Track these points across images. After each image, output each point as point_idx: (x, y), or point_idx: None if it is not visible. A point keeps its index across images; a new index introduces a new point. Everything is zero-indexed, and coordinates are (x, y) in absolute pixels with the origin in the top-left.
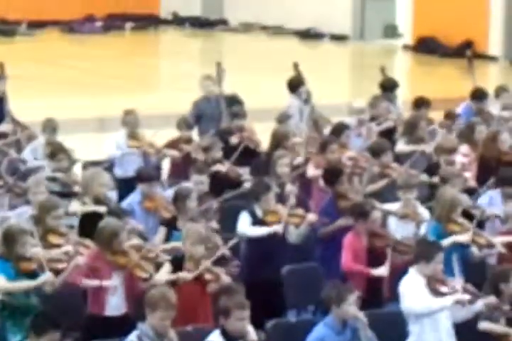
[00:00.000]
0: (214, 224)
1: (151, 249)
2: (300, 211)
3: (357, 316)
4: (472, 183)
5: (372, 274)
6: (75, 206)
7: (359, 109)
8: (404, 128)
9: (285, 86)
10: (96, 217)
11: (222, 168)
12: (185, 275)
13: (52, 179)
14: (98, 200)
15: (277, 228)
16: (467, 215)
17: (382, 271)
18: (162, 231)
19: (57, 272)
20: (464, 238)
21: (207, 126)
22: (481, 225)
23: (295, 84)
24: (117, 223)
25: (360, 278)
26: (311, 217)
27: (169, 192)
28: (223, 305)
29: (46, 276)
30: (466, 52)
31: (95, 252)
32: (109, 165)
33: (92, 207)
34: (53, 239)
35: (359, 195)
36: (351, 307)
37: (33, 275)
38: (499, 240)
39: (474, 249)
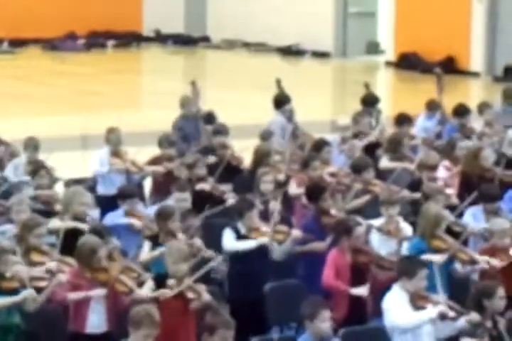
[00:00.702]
0: (197, 241)
1: (133, 269)
2: (284, 228)
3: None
4: (454, 200)
5: (351, 293)
6: (56, 223)
7: (343, 126)
8: (388, 145)
9: (268, 102)
10: (78, 234)
11: (206, 186)
12: (166, 292)
13: (34, 197)
14: (78, 219)
15: (265, 240)
16: (450, 232)
17: (361, 291)
18: (147, 245)
19: (39, 290)
20: (437, 258)
21: (187, 144)
22: (464, 241)
23: (281, 101)
24: (95, 240)
25: (343, 294)
26: (296, 233)
27: (152, 210)
28: (209, 322)
29: (27, 292)
30: (435, 69)
31: (76, 269)
32: (91, 183)
33: (72, 223)
34: (35, 257)
35: (342, 212)
36: (324, 323)
37: (15, 294)
38: (483, 259)
39: (458, 265)
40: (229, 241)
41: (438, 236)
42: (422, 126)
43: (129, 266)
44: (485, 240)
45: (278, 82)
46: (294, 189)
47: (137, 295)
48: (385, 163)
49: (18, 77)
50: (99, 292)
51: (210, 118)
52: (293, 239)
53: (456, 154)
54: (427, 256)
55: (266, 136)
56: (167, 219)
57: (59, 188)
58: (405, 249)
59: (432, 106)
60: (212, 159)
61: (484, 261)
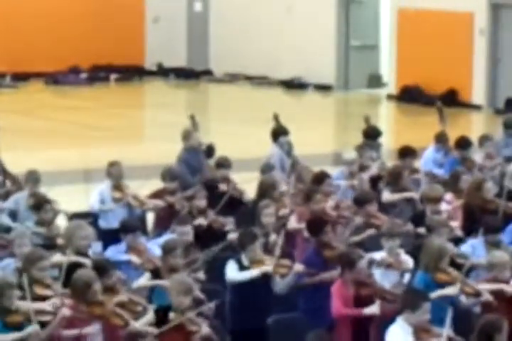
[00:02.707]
0: (201, 275)
1: (137, 302)
2: (286, 261)
3: None
4: (458, 232)
5: (364, 313)
6: (57, 257)
7: (350, 160)
8: (388, 178)
9: (270, 135)
10: (80, 268)
11: (203, 221)
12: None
13: (36, 232)
14: (80, 253)
15: (267, 268)
16: (453, 264)
17: (373, 309)
18: (146, 275)
19: (43, 324)
20: (451, 291)
21: (191, 177)
22: (466, 273)
23: (277, 133)
24: (90, 274)
25: (348, 326)
26: (298, 267)
27: (153, 244)
28: None
29: (32, 328)
30: (436, 102)
31: (72, 303)
32: (93, 217)
33: (73, 258)
34: (39, 290)
35: (343, 245)
36: None
37: (20, 328)
38: (485, 287)
39: (462, 298)
40: (231, 272)
41: (442, 270)
42: (431, 158)
43: (132, 299)
44: (486, 272)
45: (276, 117)
46: (294, 223)
47: (133, 328)
48: (387, 195)
49: (21, 111)
50: (92, 329)
51: (209, 151)
52: (295, 272)
53: (460, 187)
54: (440, 291)
55: (266, 169)
56: (168, 253)
57: (61, 221)
58: (406, 280)
59: (441, 139)
60: (223, 187)
61: (491, 289)
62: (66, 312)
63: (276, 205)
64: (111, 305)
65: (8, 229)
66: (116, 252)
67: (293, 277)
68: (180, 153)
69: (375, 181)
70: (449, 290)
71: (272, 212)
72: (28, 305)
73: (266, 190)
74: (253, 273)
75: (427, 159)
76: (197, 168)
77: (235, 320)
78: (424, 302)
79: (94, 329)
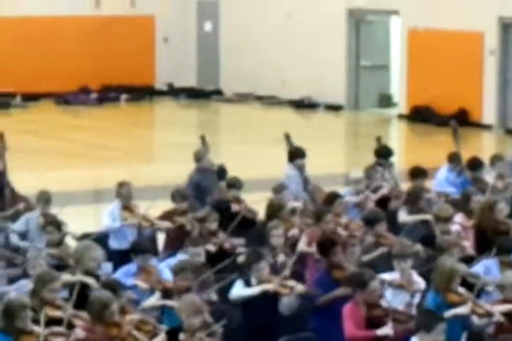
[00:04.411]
0: (213, 296)
1: (148, 322)
2: (290, 282)
3: None
4: (470, 251)
5: (377, 335)
6: (66, 277)
7: (357, 179)
8: (407, 198)
9: (280, 156)
10: (90, 289)
11: (211, 247)
12: None
13: (47, 254)
14: (89, 274)
15: (268, 286)
16: (464, 283)
17: (386, 330)
18: (157, 295)
19: None
20: (463, 310)
21: (202, 198)
22: (478, 294)
23: (296, 155)
24: (108, 295)
25: None
26: (299, 288)
27: (167, 264)
28: None
29: None
30: (451, 121)
31: (88, 324)
32: (103, 237)
33: (79, 278)
34: (50, 311)
35: (354, 265)
36: None
37: None
38: (498, 309)
39: (474, 318)
40: (235, 289)
41: (453, 291)
42: (444, 178)
43: (143, 319)
44: (499, 292)
45: (287, 137)
46: (304, 244)
47: None
48: (404, 216)
49: (31, 131)
50: None
51: (221, 172)
52: (296, 293)
53: (471, 207)
54: (453, 311)
55: (278, 189)
56: (179, 274)
57: (71, 242)
58: (416, 301)
59: (454, 159)
60: (235, 208)
61: (503, 310)
62: (79, 333)
63: (285, 226)
64: (128, 327)
65: (17, 249)
66: (125, 274)
67: (295, 298)
68: (191, 174)
69: (384, 201)
70: (461, 310)
71: (281, 233)
72: (41, 327)
73: (275, 210)
74: (254, 290)
75: (440, 179)
76: (209, 189)
77: (245, 340)
78: (439, 323)
79: None
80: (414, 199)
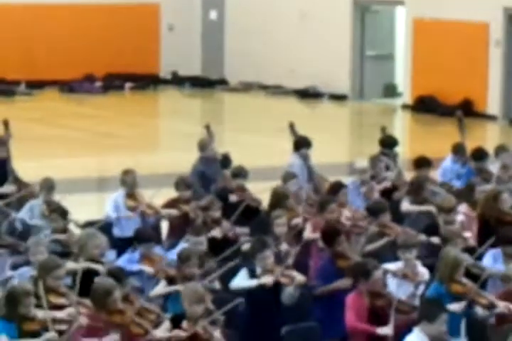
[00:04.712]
0: (216, 285)
1: (151, 310)
2: (291, 272)
3: None
4: (472, 242)
5: (377, 333)
6: (70, 264)
7: (361, 168)
8: (410, 188)
9: (285, 145)
10: (94, 276)
11: (218, 233)
12: (179, 333)
13: (54, 240)
14: (93, 261)
15: (265, 280)
16: (468, 274)
17: (386, 330)
18: (162, 283)
19: (60, 333)
20: (455, 307)
21: (206, 187)
22: (482, 284)
23: (301, 144)
24: (110, 282)
25: (363, 338)
26: (299, 278)
27: (171, 254)
28: None
29: (50, 335)
30: (456, 112)
31: (91, 312)
32: (107, 225)
33: (86, 264)
34: (54, 298)
35: (358, 255)
36: None
37: (36, 336)
38: (503, 304)
39: (478, 309)
40: (236, 279)
41: (457, 281)
42: (448, 169)
43: (147, 308)
44: (503, 283)
45: (291, 126)
46: (310, 233)
47: (153, 336)
48: (406, 206)
49: (35, 119)
50: (112, 338)
51: (225, 161)
52: (296, 284)
53: (475, 198)
54: (452, 306)
55: (288, 177)
56: (184, 262)
57: (76, 230)
58: (420, 292)
59: (458, 150)
60: (233, 198)
61: (504, 306)
62: (83, 320)
63: (289, 215)
64: (131, 314)
65: (21, 236)
66: (128, 262)
67: (296, 288)
68: (195, 163)
69: (389, 191)
70: (454, 307)
71: (285, 222)
72: (44, 314)
73: (279, 199)
74: (252, 283)
75: (445, 170)
76: (212, 178)
77: (247, 331)
78: (441, 313)
79: (113, 338)
80: (417, 189)
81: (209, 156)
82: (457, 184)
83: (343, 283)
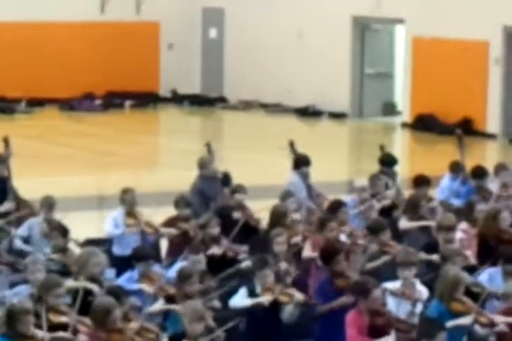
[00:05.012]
0: (216, 303)
1: (150, 329)
2: (291, 290)
3: None
4: (472, 261)
5: None
6: (69, 283)
7: (360, 187)
8: (406, 207)
9: (284, 163)
10: (93, 295)
11: (217, 250)
12: None
13: (51, 259)
14: (93, 280)
15: (262, 300)
16: (468, 292)
17: (388, 340)
18: (161, 301)
19: None
20: (465, 321)
21: (206, 205)
22: (482, 303)
23: (301, 162)
24: (110, 301)
25: None
26: (299, 296)
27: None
28: None
29: None
30: (456, 130)
31: (91, 330)
32: (107, 244)
33: (82, 284)
34: (54, 317)
35: (357, 274)
36: None
37: None
38: (501, 319)
39: (477, 327)
40: (235, 298)
41: (457, 299)
42: (447, 187)
43: (146, 326)
44: (502, 301)
45: (291, 145)
46: (309, 251)
47: None
48: (404, 223)
49: (35, 136)
50: None
51: (225, 179)
52: (296, 302)
53: (474, 216)
54: (455, 321)
55: (286, 196)
56: (184, 280)
57: (74, 248)
58: (418, 310)
59: (456, 168)
60: (237, 215)
61: (505, 321)
62: (82, 339)
63: (288, 233)
64: (130, 333)
65: (20, 254)
66: (128, 280)
67: (296, 306)
68: (195, 181)
69: (388, 209)
70: (463, 320)
71: (284, 240)
72: (43, 332)
73: (278, 218)
74: (248, 302)
75: (443, 188)
76: (212, 196)
77: None
78: (440, 332)
79: None
80: (414, 208)
81: (209, 174)
82: (456, 202)
83: (344, 300)
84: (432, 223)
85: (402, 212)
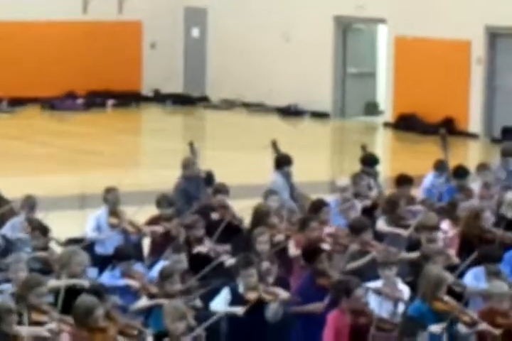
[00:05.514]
0: (197, 303)
1: (133, 326)
2: (275, 289)
3: None
4: (455, 260)
5: None
6: (53, 282)
7: (342, 187)
8: (384, 206)
9: (267, 162)
10: (77, 294)
11: (203, 248)
12: None
13: (33, 257)
14: (75, 279)
15: (236, 310)
16: (450, 292)
17: None
18: (144, 298)
19: None
20: (435, 329)
21: (189, 205)
22: (464, 302)
23: (282, 162)
24: (92, 300)
25: None
26: (284, 295)
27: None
28: None
29: None
30: (440, 129)
31: (73, 329)
32: (89, 243)
33: (71, 281)
34: (36, 316)
35: (339, 273)
36: None
37: None
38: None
39: (460, 326)
40: (216, 302)
41: (439, 299)
42: (430, 185)
43: (129, 324)
44: (485, 300)
45: (274, 144)
46: (294, 250)
47: None
48: (381, 225)
49: (17, 136)
50: None
51: (208, 178)
52: (280, 300)
53: (457, 215)
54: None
55: (268, 195)
56: (166, 279)
57: (57, 248)
58: (400, 310)
59: (439, 166)
60: (215, 216)
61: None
62: (64, 338)
63: (270, 232)
64: (113, 332)
65: (2, 253)
66: (110, 278)
67: (280, 305)
68: (178, 181)
69: (370, 209)
70: (434, 328)
71: (267, 240)
72: (26, 331)
73: (261, 217)
74: (221, 310)
75: (427, 187)
76: (195, 196)
77: None
78: (421, 330)
79: None
80: (393, 207)
81: (192, 174)
82: (439, 201)
83: (316, 307)
84: (404, 231)
85: (381, 212)
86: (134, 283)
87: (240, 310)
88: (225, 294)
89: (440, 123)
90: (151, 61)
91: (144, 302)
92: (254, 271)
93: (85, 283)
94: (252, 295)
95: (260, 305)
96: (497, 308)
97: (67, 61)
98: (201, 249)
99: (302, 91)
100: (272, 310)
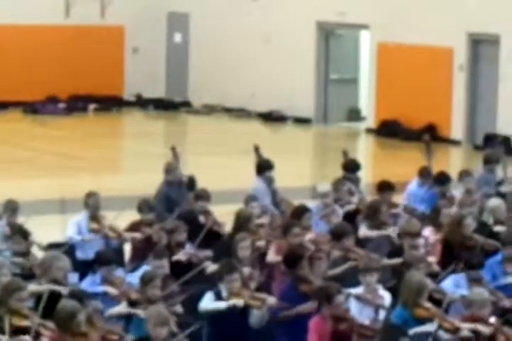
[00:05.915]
0: (178, 308)
1: (114, 332)
2: (261, 294)
3: None
4: (436, 267)
5: None
6: (33, 287)
7: (323, 192)
8: (366, 212)
9: (248, 167)
10: (58, 298)
11: (183, 257)
12: None
13: (13, 263)
14: (57, 283)
15: (236, 302)
16: (431, 299)
17: None
18: (123, 305)
19: None
20: (430, 328)
21: (171, 210)
22: (445, 309)
23: (263, 167)
24: (74, 305)
25: None
26: (271, 300)
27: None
28: None
29: None
30: (424, 136)
31: (55, 334)
32: (70, 248)
33: (49, 286)
34: (16, 321)
35: (320, 279)
36: None
37: None
38: (465, 326)
39: (441, 333)
40: (205, 301)
41: (421, 305)
42: (414, 192)
43: (110, 329)
44: (466, 307)
45: (256, 149)
46: (272, 256)
47: None
48: (364, 231)
49: None
50: None
51: (190, 183)
52: (268, 306)
53: (440, 221)
54: (419, 328)
55: (249, 200)
56: (147, 284)
57: (38, 252)
58: (381, 316)
59: (425, 174)
60: (202, 219)
61: (469, 328)
62: None
63: (252, 238)
64: (95, 337)
65: None
66: (91, 284)
67: (266, 311)
68: (160, 186)
69: (352, 215)
70: (428, 327)
71: (248, 245)
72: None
73: (242, 222)
74: (223, 304)
75: (410, 193)
76: (177, 201)
77: None
78: (402, 337)
79: None
80: (374, 213)
81: (174, 179)
82: (421, 207)
83: (306, 307)
84: (391, 230)
85: (362, 218)
86: (112, 290)
87: (239, 302)
88: (209, 298)
89: (422, 129)
90: (134, 66)
91: (120, 308)
92: (237, 276)
93: (64, 290)
94: (237, 301)
95: (244, 310)
96: (477, 315)
97: (49, 65)
98: (180, 257)
99: (284, 97)
100: (257, 316)
